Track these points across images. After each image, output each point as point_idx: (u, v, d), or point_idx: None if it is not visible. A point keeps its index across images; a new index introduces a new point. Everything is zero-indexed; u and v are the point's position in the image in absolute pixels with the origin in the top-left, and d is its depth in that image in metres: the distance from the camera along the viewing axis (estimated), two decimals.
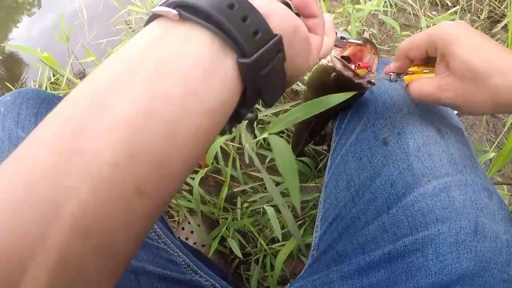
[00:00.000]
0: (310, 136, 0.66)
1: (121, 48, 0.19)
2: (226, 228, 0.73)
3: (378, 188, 0.39)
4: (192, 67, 0.18)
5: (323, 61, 0.44)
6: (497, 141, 0.91)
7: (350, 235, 0.40)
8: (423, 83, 0.35)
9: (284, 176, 0.23)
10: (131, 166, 0.16)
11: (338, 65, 0.42)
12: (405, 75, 0.39)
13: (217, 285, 0.46)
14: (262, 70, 0.20)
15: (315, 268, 0.43)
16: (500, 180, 0.85)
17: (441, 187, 0.33)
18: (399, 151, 0.38)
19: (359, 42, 0.42)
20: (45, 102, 0.39)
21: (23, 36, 1.58)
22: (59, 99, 0.41)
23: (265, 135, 0.25)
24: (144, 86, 0.17)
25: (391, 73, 0.40)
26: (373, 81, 0.41)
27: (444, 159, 0.35)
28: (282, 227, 0.72)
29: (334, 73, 0.42)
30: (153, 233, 0.43)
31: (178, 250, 0.45)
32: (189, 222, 0.73)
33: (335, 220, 0.44)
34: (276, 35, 0.21)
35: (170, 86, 0.17)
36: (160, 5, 0.19)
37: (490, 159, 0.68)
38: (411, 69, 0.40)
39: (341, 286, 0.37)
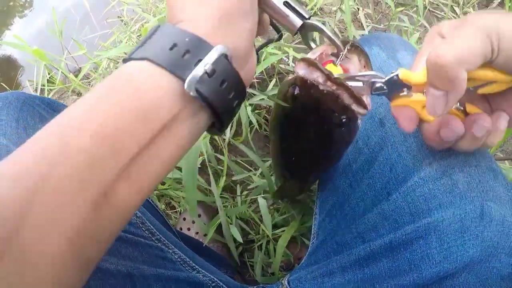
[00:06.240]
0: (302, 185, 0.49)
1: None
2: (228, 217, 0.72)
3: (376, 172, 0.37)
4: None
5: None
6: None
7: (349, 223, 0.38)
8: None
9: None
10: None
11: (300, 68, 0.27)
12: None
13: (215, 279, 0.45)
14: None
15: (315, 258, 0.41)
16: (502, 156, 0.83)
17: (443, 170, 0.31)
18: (397, 132, 0.36)
19: (337, 42, 0.28)
20: (26, 105, 0.38)
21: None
22: (39, 99, 0.41)
23: None
24: None
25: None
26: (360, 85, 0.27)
27: None
28: (283, 213, 0.71)
29: (293, 85, 0.28)
30: (146, 231, 0.42)
31: (173, 247, 0.44)
32: (185, 211, 0.72)
33: (334, 207, 0.42)
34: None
35: None
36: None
37: None
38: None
39: (342, 277, 0.36)
